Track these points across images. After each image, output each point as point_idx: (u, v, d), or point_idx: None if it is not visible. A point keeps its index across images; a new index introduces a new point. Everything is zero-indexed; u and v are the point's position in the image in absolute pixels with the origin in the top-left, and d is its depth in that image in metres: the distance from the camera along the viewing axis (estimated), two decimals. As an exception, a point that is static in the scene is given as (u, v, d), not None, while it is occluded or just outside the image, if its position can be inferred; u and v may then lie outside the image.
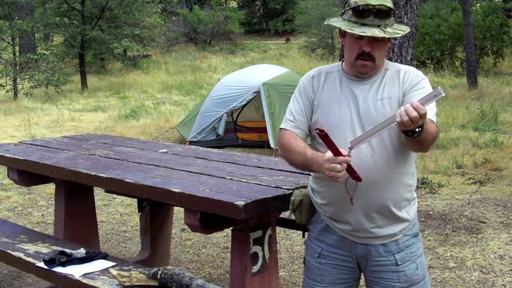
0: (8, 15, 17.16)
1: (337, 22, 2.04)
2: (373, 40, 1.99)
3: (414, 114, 1.75)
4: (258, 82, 8.68)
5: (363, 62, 2.03)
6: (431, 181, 6.18)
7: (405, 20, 4.93)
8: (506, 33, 16.62)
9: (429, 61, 17.17)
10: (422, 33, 16.10)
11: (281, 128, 2.19)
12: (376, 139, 1.99)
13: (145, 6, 19.95)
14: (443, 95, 1.79)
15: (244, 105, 8.93)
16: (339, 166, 1.89)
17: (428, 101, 1.79)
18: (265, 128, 8.13)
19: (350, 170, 1.96)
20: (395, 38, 2.03)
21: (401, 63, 4.65)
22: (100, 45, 18.77)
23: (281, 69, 9.85)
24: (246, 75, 9.38)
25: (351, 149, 1.94)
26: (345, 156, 1.89)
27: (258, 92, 8.64)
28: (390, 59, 4.80)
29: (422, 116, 1.76)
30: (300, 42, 24.73)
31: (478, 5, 20.13)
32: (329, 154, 1.90)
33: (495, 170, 6.76)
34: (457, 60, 17.35)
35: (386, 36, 1.96)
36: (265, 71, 9.43)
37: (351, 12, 1.99)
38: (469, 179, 6.42)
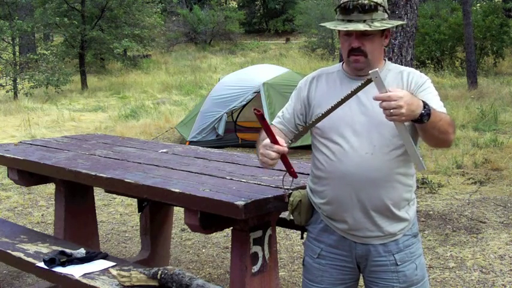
0: (8, 15, 17.16)
1: (327, 23, 2.09)
2: (361, 35, 2.01)
3: (386, 104, 1.76)
4: (258, 82, 8.69)
5: (355, 57, 2.04)
6: (431, 181, 6.17)
7: (405, 20, 4.93)
8: (506, 33, 16.62)
9: (429, 61, 17.17)
10: (422, 33, 16.10)
11: (271, 123, 2.27)
12: (377, 138, 2.00)
13: (145, 6, 19.96)
14: (377, 69, 1.79)
15: (244, 105, 8.92)
16: (273, 154, 1.95)
17: (379, 86, 1.78)
18: (265, 128, 8.12)
19: (286, 162, 2.02)
20: (376, 31, 2.01)
21: (401, 63, 4.67)
22: (100, 45, 18.79)
23: (281, 69, 9.85)
24: (246, 75, 9.39)
25: (291, 142, 2.00)
26: (282, 146, 1.95)
27: (258, 92, 8.64)
28: (390, 59, 4.81)
29: (391, 98, 1.76)
30: (300, 42, 24.74)
31: (478, 5, 20.15)
32: (268, 140, 1.96)
33: (495, 170, 6.76)
34: (457, 60, 17.35)
35: (369, 29, 1.97)
36: (265, 71, 9.44)
37: (338, 11, 2.03)
38: (469, 179, 6.42)
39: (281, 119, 2.24)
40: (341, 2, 2.02)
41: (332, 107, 1.94)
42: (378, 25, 1.98)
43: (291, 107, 2.23)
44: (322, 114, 1.98)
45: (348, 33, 2.02)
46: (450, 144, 2.02)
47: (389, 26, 2.02)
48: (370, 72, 1.78)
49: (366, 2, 1.97)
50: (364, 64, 2.05)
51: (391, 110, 1.77)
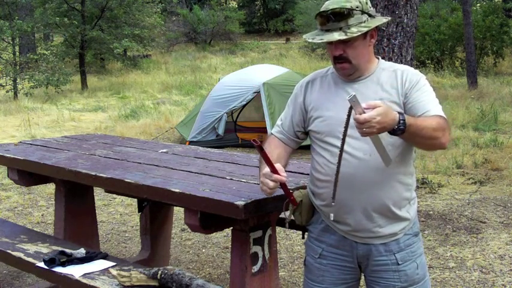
0: (8, 15, 17.16)
1: (307, 34, 2.09)
2: (341, 43, 2.00)
3: (358, 125, 1.77)
4: (258, 82, 8.69)
5: (340, 64, 2.05)
6: (431, 181, 6.17)
7: (405, 20, 4.93)
8: (506, 33, 16.62)
9: (429, 61, 17.17)
10: (422, 33, 16.11)
11: (271, 133, 2.30)
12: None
13: (145, 6, 19.96)
14: (354, 94, 1.77)
15: (244, 105, 8.93)
16: (271, 183, 1.99)
17: (357, 107, 1.77)
18: (265, 128, 8.13)
19: (286, 191, 2.06)
20: (354, 37, 1.97)
21: (402, 63, 4.65)
22: (100, 45, 18.79)
23: (281, 69, 9.86)
24: (246, 75, 9.39)
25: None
26: (280, 175, 1.98)
27: (258, 92, 8.64)
28: (390, 59, 4.80)
29: (366, 120, 1.75)
30: (300, 42, 24.72)
31: (478, 5, 20.15)
32: (267, 169, 1.99)
33: (495, 170, 6.76)
34: (457, 60, 17.35)
35: (342, 38, 1.95)
36: (265, 71, 9.44)
37: (317, 22, 2.03)
38: (469, 179, 6.42)
39: (280, 128, 2.25)
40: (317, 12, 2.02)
41: (342, 139, 1.91)
42: (354, 30, 1.97)
43: (289, 115, 2.23)
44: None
45: (330, 43, 2.02)
46: (443, 147, 2.01)
47: (366, 29, 1.99)
48: (347, 98, 1.77)
49: (337, 9, 1.96)
50: (350, 70, 2.06)
51: (363, 129, 1.78)
